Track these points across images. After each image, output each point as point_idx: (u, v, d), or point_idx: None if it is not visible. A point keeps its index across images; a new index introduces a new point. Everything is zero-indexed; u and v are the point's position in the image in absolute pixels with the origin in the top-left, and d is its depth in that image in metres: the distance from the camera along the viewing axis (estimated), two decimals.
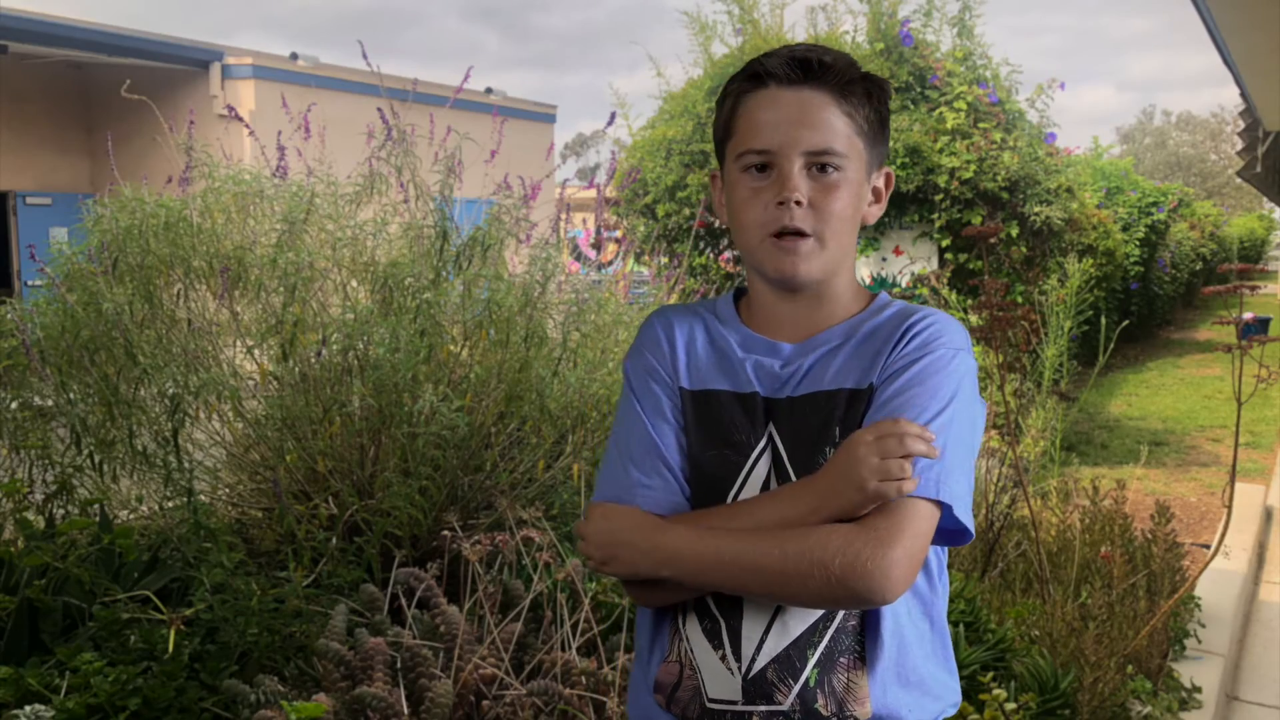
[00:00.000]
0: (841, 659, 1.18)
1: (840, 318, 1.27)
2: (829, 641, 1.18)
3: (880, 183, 1.30)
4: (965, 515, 1.16)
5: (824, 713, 1.17)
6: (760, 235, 1.22)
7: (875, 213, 1.30)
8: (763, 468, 1.20)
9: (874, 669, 1.19)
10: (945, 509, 1.15)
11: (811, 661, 1.17)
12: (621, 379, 1.35)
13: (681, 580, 1.17)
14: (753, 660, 1.18)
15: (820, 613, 1.18)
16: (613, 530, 1.20)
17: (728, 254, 8.62)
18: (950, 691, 1.26)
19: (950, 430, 1.16)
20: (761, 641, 1.18)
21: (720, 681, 1.19)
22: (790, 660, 1.17)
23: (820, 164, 1.20)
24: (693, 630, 1.22)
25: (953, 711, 1.27)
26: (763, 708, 1.17)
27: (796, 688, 1.17)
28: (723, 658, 1.19)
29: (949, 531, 1.18)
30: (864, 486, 1.10)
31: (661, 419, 1.25)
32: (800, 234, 1.20)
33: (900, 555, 1.10)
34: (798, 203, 1.19)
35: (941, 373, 1.19)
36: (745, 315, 1.31)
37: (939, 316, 1.24)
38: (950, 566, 3.92)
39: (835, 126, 1.21)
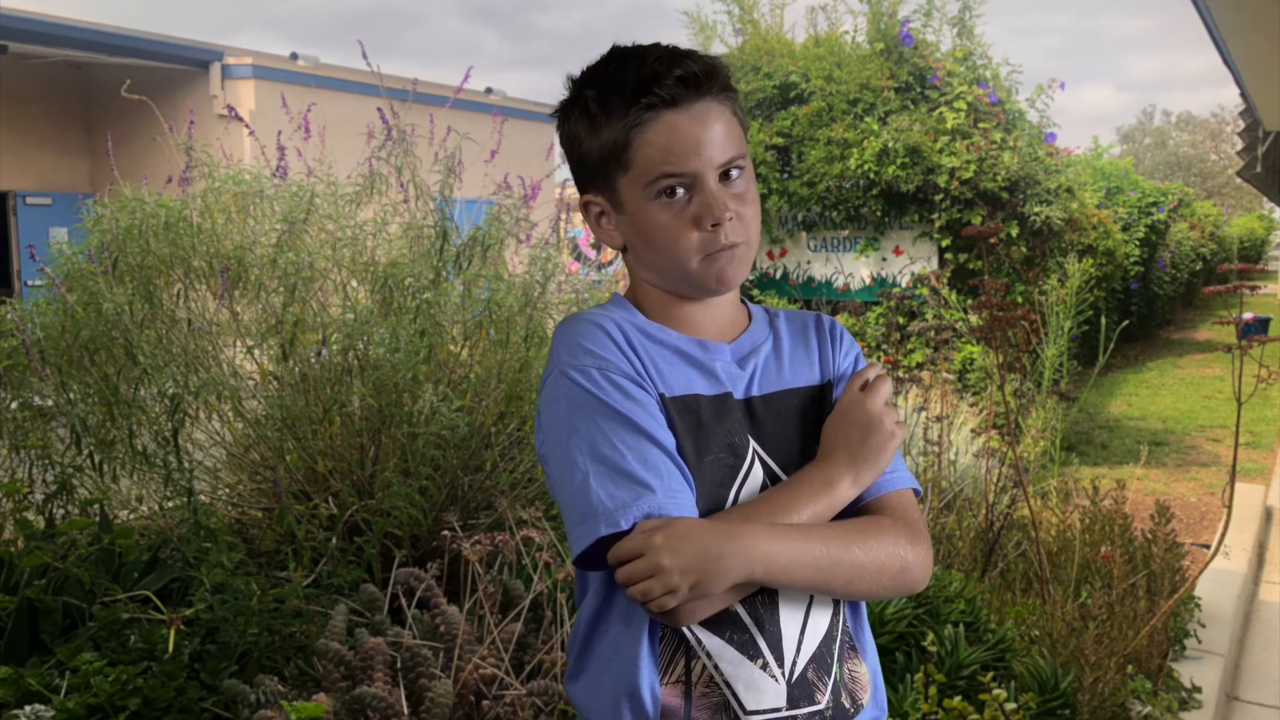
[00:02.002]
0: (848, 650, 1.23)
1: (744, 320, 1.31)
2: (840, 635, 1.22)
3: None
4: None
5: (846, 705, 1.20)
6: (698, 257, 1.20)
7: None
8: (758, 469, 1.20)
9: (866, 656, 1.26)
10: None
11: (836, 656, 1.21)
12: None
13: (769, 581, 1.11)
14: (794, 663, 1.17)
15: (832, 608, 1.21)
16: (694, 548, 1.06)
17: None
18: None
19: None
20: (800, 643, 1.18)
21: (761, 692, 1.15)
22: (824, 658, 1.19)
23: (728, 172, 1.20)
24: (713, 643, 1.15)
25: None
26: (804, 710, 1.17)
27: (830, 684, 1.19)
28: (763, 666, 1.15)
29: None
30: (894, 433, 1.21)
31: (661, 427, 1.15)
32: (735, 244, 1.21)
33: (929, 545, 1.22)
34: (730, 219, 1.19)
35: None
36: (655, 320, 1.26)
37: (833, 318, 1.36)
38: (950, 566, 3.90)
39: (731, 132, 1.20)
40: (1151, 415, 8.87)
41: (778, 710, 1.16)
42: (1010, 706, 2.60)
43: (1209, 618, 3.85)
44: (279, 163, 3.67)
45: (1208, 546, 4.28)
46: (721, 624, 1.15)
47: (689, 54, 1.19)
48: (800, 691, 1.17)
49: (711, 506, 1.16)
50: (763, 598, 1.16)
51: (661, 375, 1.20)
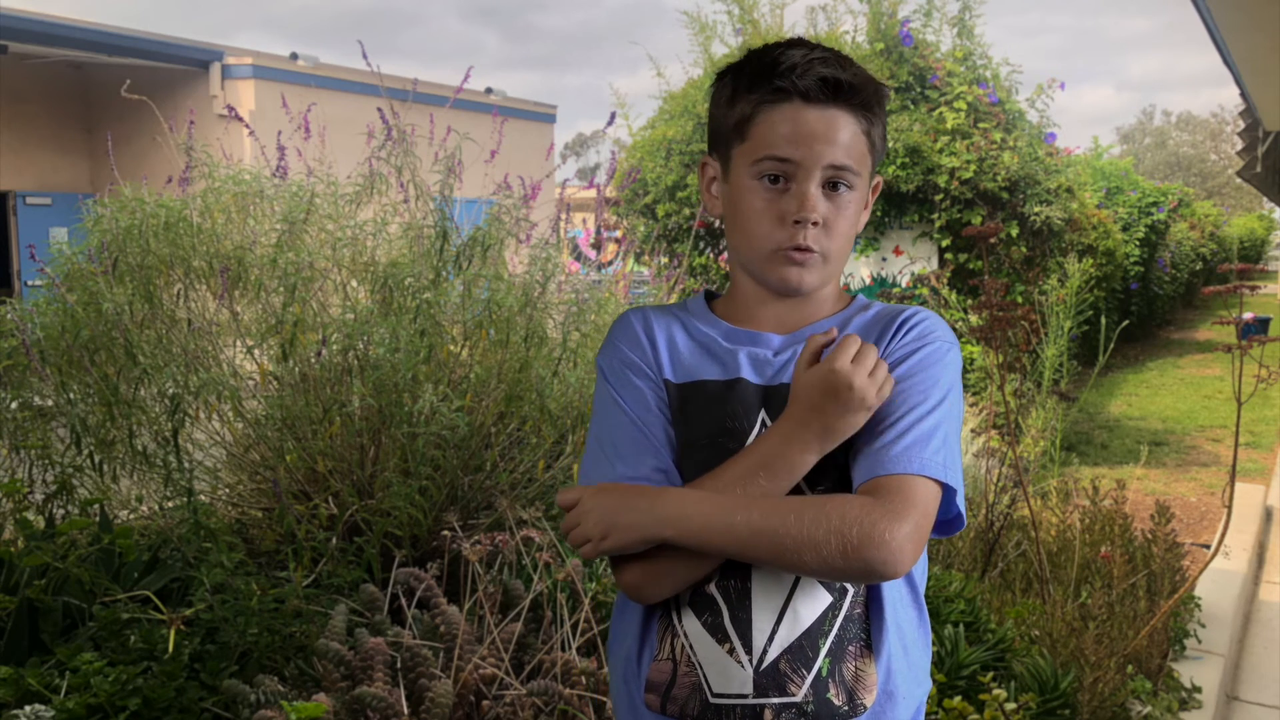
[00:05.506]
0: (850, 647, 1.20)
1: (825, 314, 1.31)
2: (839, 630, 1.19)
3: (870, 190, 1.32)
4: (962, 503, 1.21)
5: (836, 702, 1.18)
6: (771, 248, 1.24)
7: (864, 219, 1.32)
8: None
9: (880, 656, 1.21)
10: (946, 496, 1.18)
11: (823, 651, 1.18)
12: None
13: (685, 543, 1.14)
14: (764, 651, 1.17)
15: (829, 600, 1.19)
16: (609, 503, 1.17)
17: (727, 254, 8.62)
18: (928, 678, 1.30)
19: (949, 420, 1.21)
20: (773, 632, 1.18)
21: (726, 676, 1.18)
22: (803, 650, 1.18)
23: (835, 181, 1.23)
24: (691, 625, 1.20)
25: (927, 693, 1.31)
26: (775, 700, 1.17)
27: (810, 678, 1.17)
28: (730, 651, 1.18)
29: (943, 521, 1.22)
30: (870, 404, 1.15)
31: (647, 411, 1.25)
32: (810, 250, 1.23)
33: (912, 530, 1.11)
34: (814, 223, 1.21)
35: (939, 364, 1.23)
36: (723, 313, 1.33)
37: (930, 313, 1.29)
38: (950, 566, 3.90)
39: (853, 146, 1.23)
40: (1151, 415, 8.87)
41: (744, 697, 1.17)
42: (1010, 706, 2.60)
43: (1209, 618, 3.84)
44: (279, 163, 3.67)
45: (1208, 546, 4.28)
46: (701, 606, 1.20)
47: (849, 63, 1.22)
48: (769, 681, 1.17)
49: None
50: (735, 582, 1.18)
51: (679, 364, 1.28)
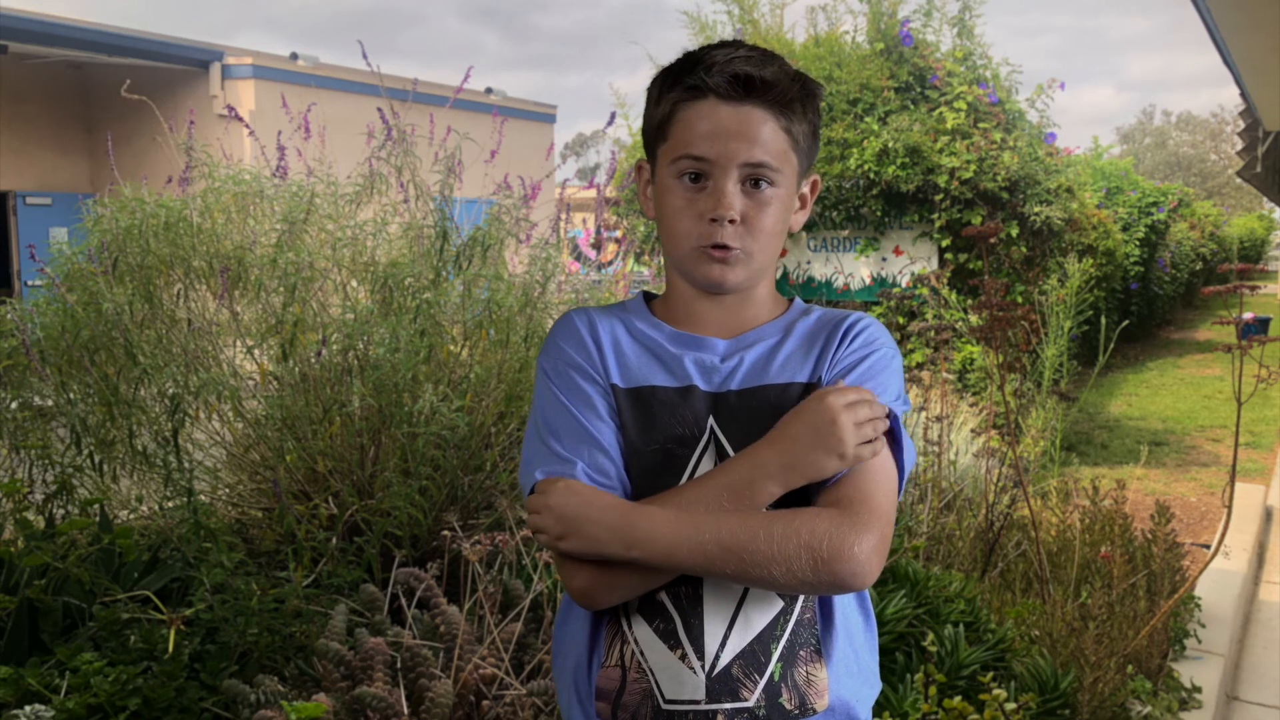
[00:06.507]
0: (801, 652, 1.20)
1: (765, 318, 1.31)
2: (790, 635, 1.20)
3: (807, 189, 1.31)
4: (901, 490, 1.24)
5: (788, 707, 1.18)
6: (690, 245, 1.23)
7: (800, 219, 1.31)
8: (708, 461, 1.21)
9: (831, 661, 1.22)
10: None
11: (775, 655, 1.19)
12: None
13: (650, 562, 1.13)
14: (717, 657, 1.17)
15: (780, 606, 1.20)
16: (578, 505, 1.14)
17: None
18: (877, 679, 1.31)
19: (897, 424, 1.23)
20: (725, 637, 1.18)
21: (679, 682, 1.17)
22: (755, 655, 1.18)
23: (754, 178, 1.22)
24: (641, 632, 1.19)
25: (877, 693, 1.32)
26: (728, 705, 1.17)
27: (762, 683, 1.18)
28: (682, 657, 1.17)
29: None
30: (846, 453, 1.14)
31: (594, 414, 1.22)
32: (729, 248, 1.22)
33: (877, 541, 1.14)
34: (731, 220, 1.21)
35: (887, 370, 1.26)
36: (662, 315, 1.31)
37: (872, 319, 1.30)
38: (950, 566, 3.89)
39: (772, 143, 1.21)
40: (1151, 415, 8.87)
41: (696, 703, 1.17)
42: (1010, 706, 2.60)
43: (1209, 618, 3.85)
44: (279, 163, 3.67)
45: (1208, 546, 4.28)
46: (652, 612, 1.19)
47: (771, 61, 1.22)
48: (721, 686, 1.17)
49: (655, 492, 1.19)
50: (686, 589, 1.18)
51: (624, 368, 1.26)
